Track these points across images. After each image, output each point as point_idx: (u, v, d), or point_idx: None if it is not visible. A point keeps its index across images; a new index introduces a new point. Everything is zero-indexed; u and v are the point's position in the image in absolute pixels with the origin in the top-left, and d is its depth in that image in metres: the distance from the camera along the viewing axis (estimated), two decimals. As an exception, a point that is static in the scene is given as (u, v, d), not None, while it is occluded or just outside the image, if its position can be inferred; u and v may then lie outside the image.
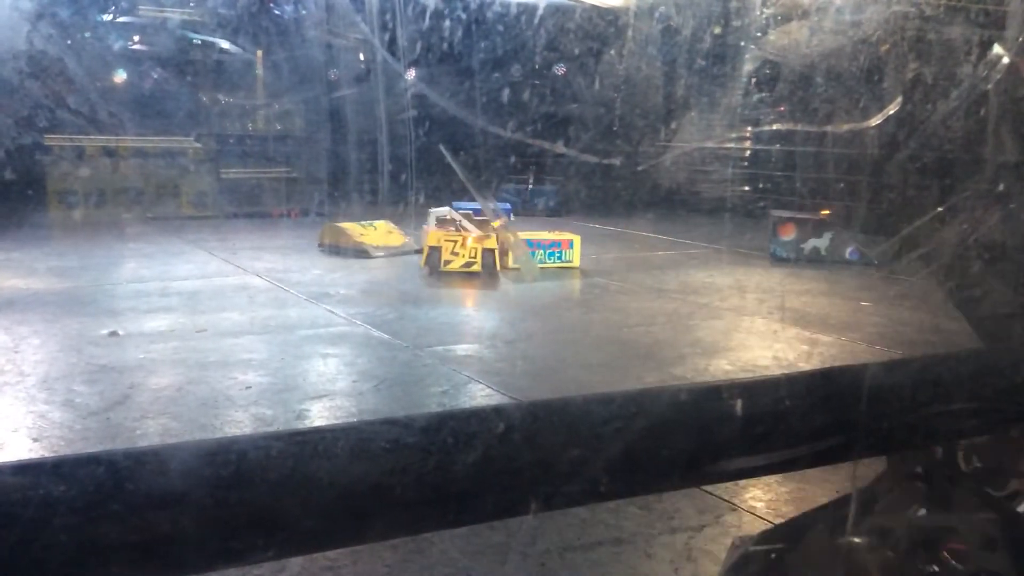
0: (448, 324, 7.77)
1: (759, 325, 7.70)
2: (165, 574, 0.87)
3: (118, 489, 0.83)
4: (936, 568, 1.89)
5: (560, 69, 14.37)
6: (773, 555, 2.19)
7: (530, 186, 16.33)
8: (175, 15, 14.58)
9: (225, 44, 15.17)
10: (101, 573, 0.82)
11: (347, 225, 11.38)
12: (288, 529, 0.94)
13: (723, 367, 6.27)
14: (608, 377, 6.01)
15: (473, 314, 8.53)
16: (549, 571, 3.49)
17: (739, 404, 1.42)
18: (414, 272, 10.25)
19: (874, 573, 1.98)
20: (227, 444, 0.99)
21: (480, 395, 5.60)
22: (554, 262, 10.63)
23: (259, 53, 15.81)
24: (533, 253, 10.84)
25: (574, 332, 7.61)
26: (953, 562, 1.96)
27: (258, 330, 7.16)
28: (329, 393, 5.62)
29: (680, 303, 8.60)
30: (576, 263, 10.71)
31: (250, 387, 5.62)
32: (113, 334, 6.81)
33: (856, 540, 1.98)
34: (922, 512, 2.01)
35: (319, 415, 5.18)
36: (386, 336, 7.02)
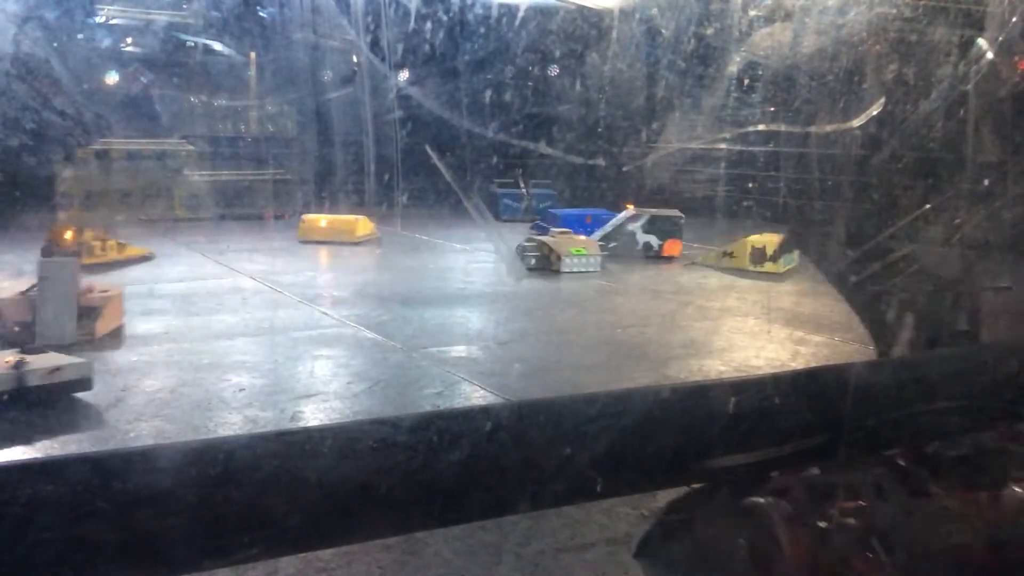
0: (441, 325, 7.77)
1: (751, 325, 7.73)
2: (152, 572, 0.88)
3: (105, 488, 0.84)
4: (827, 523, 2.12)
5: (554, 70, 14.40)
6: (685, 518, 2.36)
7: (522, 188, 16.35)
8: (170, 18, 14.57)
9: (219, 46, 15.16)
10: (88, 572, 0.83)
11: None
12: (275, 528, 0.95)
13: (717, 367, 6.30)
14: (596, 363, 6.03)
15: (468, 315, 8.54)
16: (543, 571, 3.50)
17: (725, 403, 1.44)
18: (410, 274, 10.29)
19: (772, 527, 2.15)
20: (215, 444, 1.00)
21: (474, 398, 5.61)
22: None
23: (253, 55, 15.80)
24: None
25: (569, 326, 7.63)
26: (845, 518, 2.15)
27: (252, 332, 7.16)
28: (323, 395, 5.62)
29: (675, 303, 8.63)
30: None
31: (244, 389, 5.62)
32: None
33: (757, 499, 2.14)
34: (815, 472, 2.16)
35: (313, 417, 5.18)
36: (379, 337, 7.02)
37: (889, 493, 2.09)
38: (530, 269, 10.21)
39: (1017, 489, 2.26)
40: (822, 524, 2.17)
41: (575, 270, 10.18)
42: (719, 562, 2.43)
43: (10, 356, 5.07)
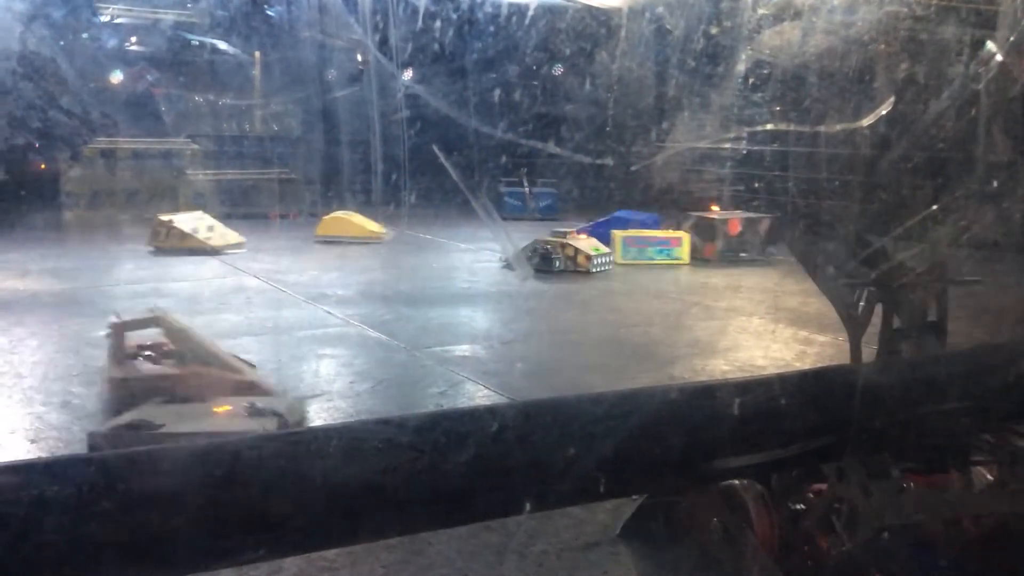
0: (445, 324, 7.77)
1: (756, 325, 7.71)
2: (157, 573, 0.88)
3: (109, 489, 0.83)
4: (803, 505, 2.29)
5: (562, 69, 14.40)
6: (667, 501, 2.61)
7: (525, 187, 16.37)
8: (176, 17, 14.59)
9: (225, 46, 15.17)
10: (93, 572, 0.82)
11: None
12: (280, 528, 0.94)
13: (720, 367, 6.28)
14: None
15: (472, 314, 8.54)
16: (547, 571, 3.49)
17: (732, 404, 1.43)
18: (415, 273, 10.28)
19: (749, 506, 2.31)
20: (221, 444, 0.99)
21: (478, 397, 5.60)
22: (664, 258, 11.39)
23: (259, 55, 15.81)
24: (643, 250, 11.63)
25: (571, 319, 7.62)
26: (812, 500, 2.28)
27: (256, 331, 7.16)
28: (327, 394, 5.62)
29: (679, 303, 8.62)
30: (685, 259, 11.41)
31: (248, 388, 5.62)
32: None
33: (735, 482, 2.27)
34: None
35: (317, 416, 5.18)
36: (383, 336, 7.02)
37: (851, 475, 2.14)
38: (553, 271, 10.29)
39: (972, 471, 2.34)
40: (792, 505, 2.34)
41: (600, 269, 10.62)
42: (696, 540, 2.65)
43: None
